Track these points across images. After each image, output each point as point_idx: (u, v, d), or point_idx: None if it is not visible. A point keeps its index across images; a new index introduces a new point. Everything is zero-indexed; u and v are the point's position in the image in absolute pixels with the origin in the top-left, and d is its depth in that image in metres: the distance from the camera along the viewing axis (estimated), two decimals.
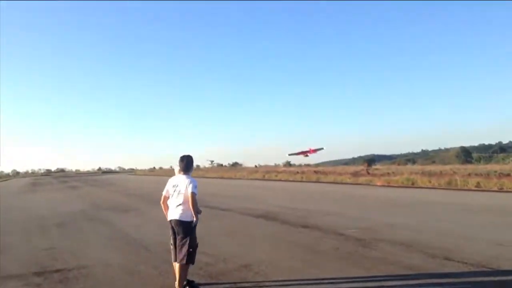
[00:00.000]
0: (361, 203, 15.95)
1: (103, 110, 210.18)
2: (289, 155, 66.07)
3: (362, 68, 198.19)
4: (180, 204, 5.37)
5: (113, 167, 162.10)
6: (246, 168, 78.79)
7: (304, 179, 35.73)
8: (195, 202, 5.32)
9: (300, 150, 60.66)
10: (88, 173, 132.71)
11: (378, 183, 26.86)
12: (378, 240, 8.47)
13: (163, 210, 5.76)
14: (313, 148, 60.84)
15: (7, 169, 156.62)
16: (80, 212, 16.04)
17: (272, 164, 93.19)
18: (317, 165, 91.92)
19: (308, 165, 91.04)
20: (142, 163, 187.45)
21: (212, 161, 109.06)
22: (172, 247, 5.54)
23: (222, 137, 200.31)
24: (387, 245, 8.04)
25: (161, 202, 5.81)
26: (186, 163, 5.60)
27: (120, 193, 26.76)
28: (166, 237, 9.54)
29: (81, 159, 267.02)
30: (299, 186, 28.79)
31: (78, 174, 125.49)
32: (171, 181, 5.61)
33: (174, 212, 5.43)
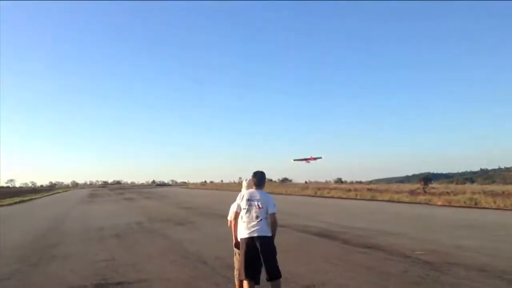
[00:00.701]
0: (423, 223, 14.88)
1: (160, 125, 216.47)
2: (294, 160, 70.56)
3: (415, 82, 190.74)
4: (260, 220, 4.96)
5: (166, 180, 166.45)
6: (296, 184, 78.01)
7: (358, 197, 34.49)
8: (276, 222, 5.07)
9: (303, 158, 66.60)
10: (142, 186, 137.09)
11: (439, 203, 25.27)
12: (449, 264, 7.66)
13: (232, 227, 5.34)
14: (313, 156, 67.17)
15: (67, 180, 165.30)
16: (136, 224, 16.18)
17: (323, 180, 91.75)
18: (369, 182, 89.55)
19: (360, 182, 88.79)
20: (194, 177, 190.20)
21: None
22: (241, 264, 4.96)
23: (269, 152, 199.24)
24: (461, 269, 7.24)
25: (231, 218, 5.46)
26: (260, 177, 5.25)
27: (174, 206, 27.02)
28: (224, 251, 9.39)
29: (136, 171, 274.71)
30: (354, 203, 27.72)
31: (133, 186, 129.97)
32: (244, 196, 5.18)
33: (252, 228, 4.95)
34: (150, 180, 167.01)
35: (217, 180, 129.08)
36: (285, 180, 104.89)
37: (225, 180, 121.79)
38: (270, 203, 5.06)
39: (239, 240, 5.10)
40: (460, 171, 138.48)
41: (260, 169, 5.33)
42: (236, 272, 5.39)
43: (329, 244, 10.43)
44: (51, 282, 7.25)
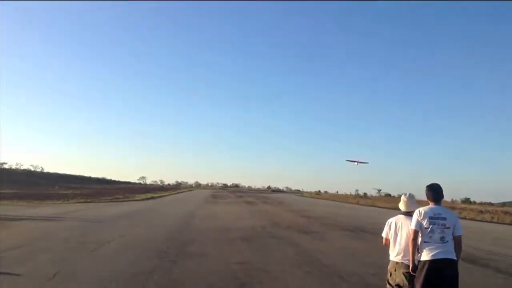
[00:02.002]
0: None
1: (279, 131, 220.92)
2: (346, 160, 78.11)
3: None
4: (447, 241, 4.28)
5: (280, 186, 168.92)
6: (420, 201, 72.77)
7: (494, 220, 30.58)
8: (461, 246, 4.40)
9: (356, 159, 75.68)
10: (258, 190, 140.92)
11: None
12: None
13: (410, 246, 4.44)
14: (361, 160, 76.13)
15: (191, 180, 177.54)
16: (260, 228, 16.25)
17: (449, 199, 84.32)
18: (502, 204, 79.83)
19: (490, 203, 79.89)
20: (307, 185, 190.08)
21: (379, 190, 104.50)
22: None
23: (384, 164, 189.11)
24: None
25: (386, 235, 4.89)
26: (438, 191, 4.55)
27: (294, 213, 26.85)
28: (359, 267, 8.78)
29: (252, 176, 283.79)
30: (492, 227, 24.58)
31: (250, 190, 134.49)
32: (425, 213, 4.40)
33: (437, 250, 4.26)
34: (266, 186, 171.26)
35: (331, 190, 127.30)
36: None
37: (340, 191, 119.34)
38: (457, 223, 4.36)
39: (416, 262, 4.42)
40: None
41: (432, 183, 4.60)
42: None
43: (481, 272, 9.11)
44: (191, 280, 7.37)
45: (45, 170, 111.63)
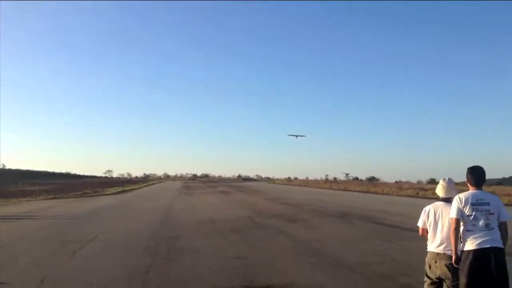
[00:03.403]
0: None
1: (243, 121, 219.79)
2: (288, 135, 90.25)
3: None
4: (492, 228, 3.90)
5: (251, 174, 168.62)
6: (386, 184, 74.28)
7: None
8: (507, 233, 4.00)
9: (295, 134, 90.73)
10: (229, 179, 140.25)
11: None
12: None
13: (452, 236, 4.03)
14: (300, 134, 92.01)
15: (159, 172, 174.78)
16: (247, 219, 15.81)
17: (414, 180, 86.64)
18: (456, 183, 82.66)
19: (455, 183, 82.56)
20: (277, 173, 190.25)
21: (347, 174, 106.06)
22: (465, 283, 3.81)
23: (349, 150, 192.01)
24: None
25: (422, 225, 4.50)
26: (481, 175, 4.15)
27: (274, 201, 26.53)
28: (362, 256, 8.53)
29: (221, 165, 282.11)
30: None
31: (221, 180, 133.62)
32: (467, 199, 4.02)
33: (482, 238, 3.87)
34: (236, 174, 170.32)
35: (301, 176, 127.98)
36: (372, 178, 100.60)
37: (310, 177, 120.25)
38: (502, 208, 3.98)
39: (458, 253, 4.03)
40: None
41: (475, 165, 4.22)
42: None
43: None
44: (193, 280, 6.84)
45: (7, 167, 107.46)
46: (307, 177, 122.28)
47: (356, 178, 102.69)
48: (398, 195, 38.44)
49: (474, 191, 4.07)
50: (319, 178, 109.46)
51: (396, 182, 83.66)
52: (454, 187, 4.42)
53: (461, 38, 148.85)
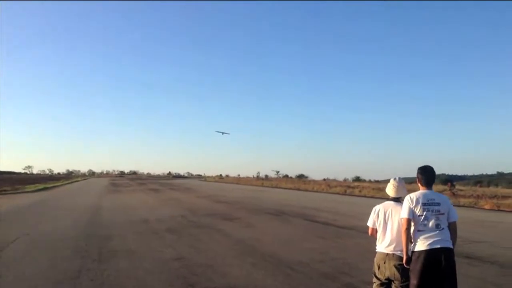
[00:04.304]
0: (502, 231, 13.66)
1: (172, 116, 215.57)
2: (215, 131, 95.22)
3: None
4: (442, 229, 3.95)
5: (181, 172, 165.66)
6: (315, 181, 76.64)
7: None
8: (456, 232, 4.09)
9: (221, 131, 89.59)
10: (159, 177, 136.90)
11: (486, 206, 23.97)
12: None
13: (403, 236, 4.04)
14: (225, 131, 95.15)
15: (84, 169, 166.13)
16: (181, 218, 15.37)
17: (340, 178, 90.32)
18: (377, 181, 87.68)
19: (377, 181, 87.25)
20: (208, 170, 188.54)
21: (277, 172, 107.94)
22: (415, 283, 3.86)
23: (279, 148, 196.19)
24: None
25: (372, 225, 4.50)
26: (432, 174, 4.22)
27: (207, 199, 26.17)
28: (300, 255, 8.56)
29: (150, 162, 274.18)
30: None
31: (150, 177, 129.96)
32: (417, 199, 4.05)
33: (432, 239, 3.92)
34: (166, 172, 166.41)
35: (232, 174, 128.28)
36: (301, 176, 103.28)
37: (242, 174, 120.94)
38: (451, 208, 4.07)
39: (409, 253, 4.06)
40: (476, 174, 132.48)
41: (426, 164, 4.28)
42: None
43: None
44: (130, 284, 6.41)
45: None
46: (238, 175, 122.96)
47: (286, 176, 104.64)
48: (327, 193, 39.74)
49: (425, 191, 4.14)
50: (250, 176, 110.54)
51: (324, 179, 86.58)
52: (404, 186, 4.46)
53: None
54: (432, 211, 4.00)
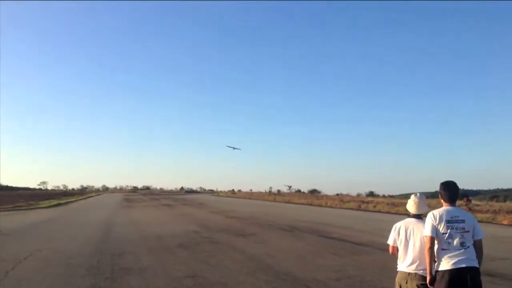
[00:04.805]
0: None
1: (185, 131, 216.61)
2: (226, 146, 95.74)
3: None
4: (468, 247, 3.78)
5: (194, 187, 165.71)
6: (328, 196, 76.02)
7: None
8: (482, 251, 3.92)
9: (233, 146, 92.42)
10: (172, 192, 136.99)
11: (504, 222, 23.41)
12: None
13: (426, 255, 3.88)
14: (236, 147, 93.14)
15: (98, 184, 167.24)
16: (194, 233, 15.26)
17: (354, 193, 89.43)
18: (405, 196, 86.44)
19: (391, 196, 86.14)
20: (220, 185, 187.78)
21: (290, 187, 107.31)
22: None
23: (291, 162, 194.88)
24: None
25: (392, 243, 4.33)
26: (455, 190, 4.07)
27: (220, 215, 26.01)
28: (316, 272, 8.35)
29: (163, 177, 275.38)
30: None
31: (163, 192, 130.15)
32: (441, 216, 3.88)
33: (457, 258, 3.74)
34: (178, 187, 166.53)
35: (244, 189, 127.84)
36: (314, 191, 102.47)
37: (254, 189, 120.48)
38: (476, 225, 3.90)
39: (433, 272, 3.87)
40: (491, 188, 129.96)
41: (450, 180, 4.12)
42: None
43: None
44: None
45: None
46: (251, 190, 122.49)
47: (299, 191, 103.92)
48: (341, 208, 39.27)
49: (448, 207, 3.97)
50: (262, 191, 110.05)
51: (337, 194, 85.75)
52: (425, 202, 4.30)
53: None
54: (457, 228, 3.82)
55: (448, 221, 3.83)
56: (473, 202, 47.26)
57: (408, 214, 4.39)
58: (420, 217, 4.24)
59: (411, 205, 4.31)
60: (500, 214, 27.08)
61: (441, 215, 3.89)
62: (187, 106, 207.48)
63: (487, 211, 29.70)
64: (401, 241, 4.22)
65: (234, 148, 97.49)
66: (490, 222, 24.15)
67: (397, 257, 4.29)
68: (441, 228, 3.83)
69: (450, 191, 4.01)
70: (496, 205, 41.88)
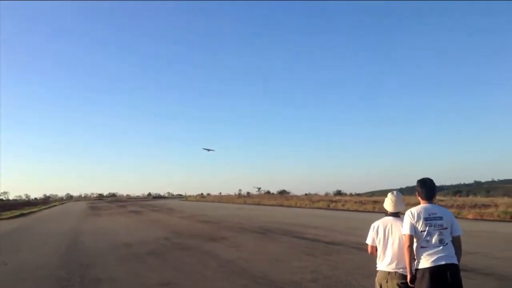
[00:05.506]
0: (490, 240, 13.61)
1: (151, 138, 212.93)
2: (203, 148, 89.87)
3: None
4: (446, 244, 3.79)
5: (161, 192, 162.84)
6: (297, 196, 76.61)
7: (376, 210, 33.11)
8: (461, 247, 3.95)
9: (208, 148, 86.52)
10: (139, 198, 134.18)
11: (469, 216, 24.23)
12: None
13: (406, 254, 3.88)
14: (211, 148, 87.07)
15: (61, 193, 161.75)
16: (165, 240, 14.95)
17: (322, 192, 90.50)
18: (370, 194, 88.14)
19: (358, 194, 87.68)
20: (188, 189, 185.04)
21: (259, 188, 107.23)
22: None
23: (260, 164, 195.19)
24: None
25: (371, 242, 4.32)
26: (432, 187, 4.09)
27: (191, 220, 25.65)
28: (292, 274, 8.30)
29: (129, 184, 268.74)
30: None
31: (130, 199, 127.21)
32: (419, 214, 3.90)
33: (437, 255, 3.75)
34: (146, 193, 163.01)
35: (213, 192, 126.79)
36: (283, 192, 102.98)
37: (223, 192, 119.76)
38: (454, 221, 3.94)
39: (413, 271, 3.87)
40: (453, 184, 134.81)
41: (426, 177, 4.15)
42: None
43: None
44: None
45: None
46: (220, 193, 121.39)
47: (268, 192, 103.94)
48: (311, 208, 39.66)
49: (426, 204, 3.99)
50: (232, 193, 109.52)
51: (306, 194, 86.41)
52: (402, 200, 4.32)
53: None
54: (435, 225, 3.84)
55: (426, 219, 3.85)
56: (437, 197, 48.67)
57: (385, 212, 4.39)
58: (397, 215, 4.26)
59: (388, 204, 4.31)
60: (464, 209, 28.06)
61: (419, 212, 3.91)
62: (149, 111, 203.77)
63: (451, 206, 30.68)
64: (379, 240, 4.22)
65: (209, 150, 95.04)
66: (456, 217, 24.67)
67: (376, 257, 4.29)
68: (420, 226, 3.85)
69: (426, 188, 4.05)
70: (459, 200, 43.36)
